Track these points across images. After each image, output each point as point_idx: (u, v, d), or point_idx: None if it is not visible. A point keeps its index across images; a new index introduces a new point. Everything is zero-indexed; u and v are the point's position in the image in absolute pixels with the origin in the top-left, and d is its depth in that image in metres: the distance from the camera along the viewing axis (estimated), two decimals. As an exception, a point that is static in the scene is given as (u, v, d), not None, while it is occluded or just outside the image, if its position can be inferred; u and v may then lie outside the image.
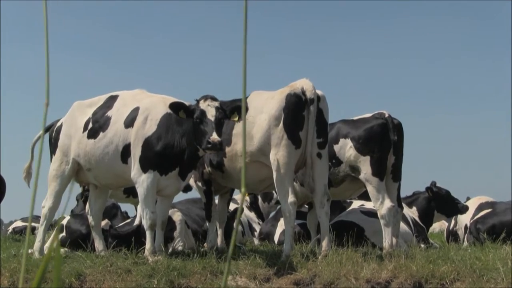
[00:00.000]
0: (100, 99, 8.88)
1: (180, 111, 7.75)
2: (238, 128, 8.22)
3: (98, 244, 8.97)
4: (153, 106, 8.20)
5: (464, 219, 11.93)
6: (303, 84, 8.14)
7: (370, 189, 8.68)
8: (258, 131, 8.07)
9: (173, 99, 8.14)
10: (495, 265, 7.40)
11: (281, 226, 10.96)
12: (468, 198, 13.34)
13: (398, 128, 9.00)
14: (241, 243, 11.26)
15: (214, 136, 7.28)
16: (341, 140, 8.96)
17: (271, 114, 7.99)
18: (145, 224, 7.96)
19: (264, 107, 8.09)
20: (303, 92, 8.06)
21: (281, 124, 7.94)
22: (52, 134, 9.18)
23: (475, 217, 11.34)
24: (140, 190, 7.96)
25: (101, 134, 8.37)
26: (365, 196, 10.07)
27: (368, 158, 8.72)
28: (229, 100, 8.34)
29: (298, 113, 8.00)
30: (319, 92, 8.19)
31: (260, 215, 13.59)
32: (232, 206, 11.24)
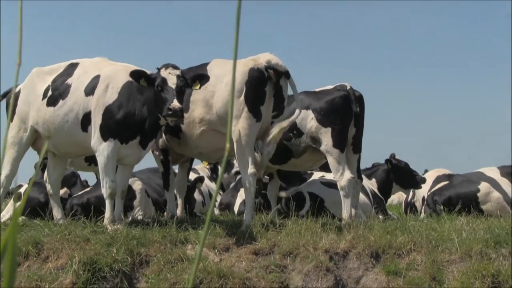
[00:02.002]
0: (60, 67, 8.74)
1: (141, 79, 7.70)
2: (196, 95, 8.18)
3: (57, 213, 8.89)
4: (114, 74, 8.12)
5: (422, 191, 12.11)
6: (268, 59, 8.14)
7: (331, 160, 8.74)
8: (218, 100, 8.07)
9: (134, 67, 8.06)
10: (450, 236, 7.56)
11: (241, 196, 11.00)
12: (426, 171, 13.53)
13: (359, 100, 9.06)
14: (202, 213, 11.29)
15: (175, 103, 7.26)
16: (303, 112, 8.97)
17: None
18: (105, 193, 7.92)
19: (225, 77, 8.07)
20: (266, 68, 8.06)
21: (242, 97, 7.95)
22: (10, 100, 9.03)
23: (432, 189, 11.51)
24: (100, 159, 7.90)
25: (61, 101, 8.26)
26: (325, 168, 10.14)
27: (329, 129, 8.76)
28: (185, 69, 8.27)
29: (260, 88, 8.02)
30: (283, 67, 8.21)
31: (221, 186, 13.60)
32: (192, 176, 11.24)
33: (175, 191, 9.30)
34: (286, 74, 8.14)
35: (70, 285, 6.80)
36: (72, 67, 8.58)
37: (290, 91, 8.41)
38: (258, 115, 8.00)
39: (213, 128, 8.19)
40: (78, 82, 8.28)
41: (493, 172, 11.49)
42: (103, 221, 7.96)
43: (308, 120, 8.93)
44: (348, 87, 9.03)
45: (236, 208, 11.11)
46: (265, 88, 8.05)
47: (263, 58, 8.17)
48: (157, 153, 9.04)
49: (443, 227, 8.05)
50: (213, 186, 13.37)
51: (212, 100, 8.14)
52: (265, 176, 10.24)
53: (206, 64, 8.53)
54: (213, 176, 13.66)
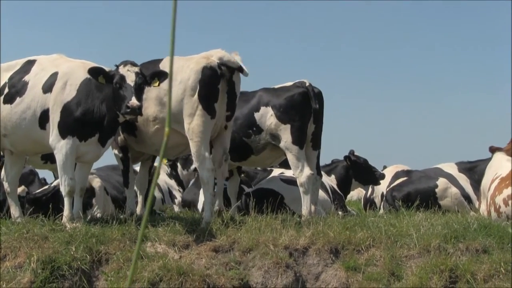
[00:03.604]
0: (17, 64, 8.61)
1: (99, 76, 7.63)
2: (149, 93, 8.14)
3: (14, 211, 8.77)
4: (72, 71, 8.04)
5: (381, 187, 12.22)
6: (220, 55, 8.14)
7: (290, 157, 8.78)
8: (172, 99, 8.05)
9: (92, 64, 7.99)
10: (408, 231, 7.65)
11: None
12: (384, 167, 13.67)
13: (318, 96, 9.11)
14: (161, 210, 11.24)
15: (133, 101, 7.23)
16: (262, 108, 9.01)
17: (187, 85, 7.98)
18: (63, 190, 7.84)
19: (178, 75, 8.04)
20: (219, 65, 8.06)
21: (196, 95, 7.96)
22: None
23: (391, 185, 11.63)
24: (59, 156, 7.81)
25: (18, 99, 8.15)
26: (285, 164, 10.18)
27: (288, 126, 8.80)
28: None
29: (214, 85, 8.05)
30: (237, 58, 8.22)
31: (180, 183, 13.58)
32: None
33: (135, 188, 9.26)
34: (239, 69, 8.15)
35: (28, 284, 6.70)
36: (29, 64, 8.46)
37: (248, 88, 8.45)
38: (212, 112, 8.02)
39: None
40: (35, 79, 8.17)
41: (451, 168, 11.66)
42: (61, 219, 7.87)
43: (267, 117, 8.96)
44: (307, 84, 9.08)
45: (200, 206, 11.08)
46: (218, 86, 8.07)
47: (215, 55, 8.17)
48: (116, 151, 8.99)
49: (402, 222, 8.14)
50: (172, 183, 13.32)
51: (165, 98, 8.13)
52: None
53: (159, 61, 8.50)
54: (172, 173, 13.62)
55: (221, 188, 8.82)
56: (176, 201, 12.67)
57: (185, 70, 8.05)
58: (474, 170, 11.44)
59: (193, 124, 7.92)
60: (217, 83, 8.06)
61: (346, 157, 11.60)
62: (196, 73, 7.99)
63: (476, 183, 10.98)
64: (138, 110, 7.26)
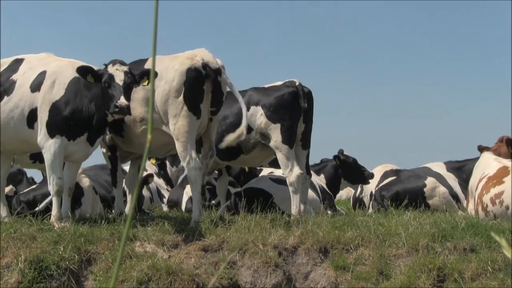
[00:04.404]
0: (5, 62, 8.56)
1: (88, 75, 7.61)
2: (135, 94, 8.12)
3: (2, 211, 8.72)
4: (60, 70, 8.01)
5: (370, 187, 12.25)
6: (203, 56, 8.14)
7: (280, 156, 8.79)
8: (158, 99, 8.07)
9: (81, 63, 7.96)
10: (397, 231, 7.67)
11: (187, 193, 10.98)
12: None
13: (308, 96, 9.12)
14: (150, 209, 11.22)
15: (122, 100, 7.21)
16: (252, 108, 9.01)
17: (172, 86, 7.97)
18: (52, 190, 7.81)
19: (163, 74, 8.01)
20: (203, 66, 8.05)
21: (181, 97, 7.96)
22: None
23: (380, 185, 11.66)
24: (47, 156, 7.79)
25: (6, 98, 8.10)
26: (274, 164, 10.19)
27: (278, 125, 8.81)
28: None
29: (199, 87, 8.04)
30: (219, 62, 8.22)
31: (169, 182, 13.56)
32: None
33: (124, 187, 9.24)
34: (217, 71, 8.14)
35: (16, 284, 6.68)
36: (17, 62, 8.42)
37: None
38: (197, 112, 8.03)
39: (154, 126, 8.18)
40: (23, 78, 8.13)
41: (439, 167, 11.70)
42: (50, 218, 7.84)
43: (257, 116, 8.96)
44: (297, 83, 9.09)
45: (183, 205, 11.08)
46: (203, 87, 8.07)
47: (199, 55, 8.16)
48: (104, 150, 8.97)
49: (391, 222, 8.16)
50: (160, 182, 13.31)
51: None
52: (215, 172, 10.26)
53: (144, 60, 8.49)
54: (161, 173, 13.61)
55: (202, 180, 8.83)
56: (165, 200, 12.65)
57: (170, 71, 8.04)
58: (462, 170, 11.48)
59: (179, 124, 7.92)
60: (202, 84, 8.06)
61: (335, 157, 11.61)
62: (181, 75, 7.99)
63: (464, 182, 11.02)
64: (126, 110, 7.25)
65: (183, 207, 11.01)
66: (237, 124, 9.00)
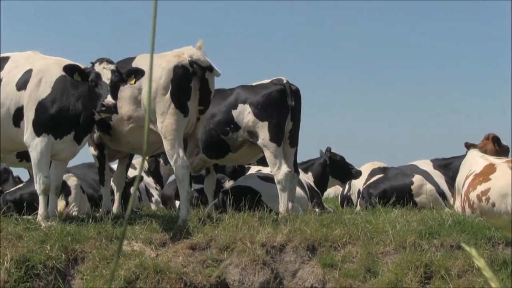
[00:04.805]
0: (-10, 61, 8.51)
1: (74, 74, 7.57)
2: (122, 92, 8.10)
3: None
4: (47, 68, 7.97)
5: (358, 184, 12.27)
6: (191, 53, 8.13)
7: (268, 154, 8.78)
8: (145, 97, 8.04)
9: (67, 61, 7.92)
10: (384, 228, 7.69)
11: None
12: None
13: (295, 94, 9.12)
14: (138, 208, 11.19)
15: (109, 99, 7.19)
16: (240, 106, 9.01)
17: (159, 84, 7.96)
18: (38, 189, 7.77)
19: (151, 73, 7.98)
20: (191, 63, 8.04)
21: (168, 94, 7.94)
22: None
23: (368, 182, 11.68)
24: (34, 154, 7.75)
25: (-9, 96, 8.05)
26: (262, 162, 10.18)
27: (266, 123, 8.80)
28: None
29: (186, 84, 8.03)
30: (206, 59, 8.21)
31: (159, 180, 13.52)
32: (130, 172, 11.12)
33: (112, 186, 9.22)
34: (209, 69, 8.14)
35: (2, 284, 6.64)
36: (3, 61, 8.36)
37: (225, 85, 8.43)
38: (185, 110, 8.01)
39: (142, 125, 8.17)
40: (9, 76, 8.08)
41: (426, 165, 11.73)
42: (36, 217, 7.81)
43: (245, 114, 8.95)
44: (285, 81, 9.08)
45: (177, 202, 11.04)
46: (190, 84, 8.06)
47: (187, 53, 8.15)
48: (92, 148, 8.95)
49: (378, 219, 8.18)
50: (149, 181, 13.26)
51: (139, 97, 8.14)
52: (202, 170, 10.24)
53: (131, 59, 8.47)
54: (151, 171, 13.56)
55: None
56: (153, 199, 12.61)
57: (157, 69, 8.03)
58: (449, 167, 11.51)
59: (166, 122, 7.91)
60: (189, 82, 8.05)
61: (323, 153, 11.63)
62: (168, 72, 7.97)
63: (450, 180, 11.05)
64: (113, 108, 7.22)
65: (177, 203, 10.97)
66: (226, 122, 9.00)
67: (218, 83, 8.61)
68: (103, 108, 7.20)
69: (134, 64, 8.24)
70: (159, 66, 8.03)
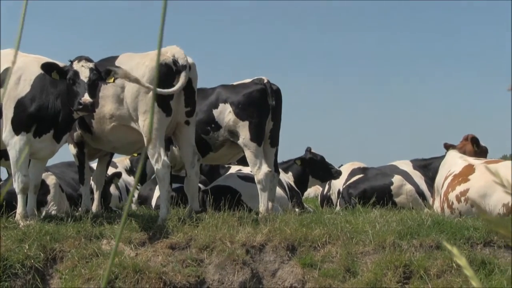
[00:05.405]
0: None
1: (53, 72, 7.52)
2: (105, 90, 8.07)
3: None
4: (26, 66, 7.91)
5: (337, 184, 12.30)
6: (174, 52, 8.11)
7: (248, 154, 8.78)
8: (128, 96, 8.03)
9: (46, 59, 7.87)
10: (364, 228, 7.71)
11: (158, 190, 10.88)
12: (341, 165, 13.73)
13: (276, 93, 9.13)
14: (118, 207, 11.15)
15: (86, 97, 7.14)
16: (221, 105, 9.00)
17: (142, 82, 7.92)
18: (17, 187, 7.71)
19: (134, 71, 7.95)
20: (174, 62, 8.03)
21: (151, 93, 7.89)
22: None
23: (348, 182, 11.71)
24: (12, 153, 7.70)
25: (-31, 94, 7.99)
26: (243, 161, 10.18)
27: (247, 123, 8.80)
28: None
29: (169, 83, 7.98)
30: (189, 59, 8.20)
31: (142, 178, 13.41)
32: (111, 170, 11.06)
33: (92, 184, 9.18)
34: (184, 67, 8.09)
35: (-21, 283, 6.59)
36: (-19, 58, 8.29)
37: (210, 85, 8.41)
38: (167, 109, 7.99)
39: (124, 123, 8.15)
40: (-14, 74, 8.01)
41: (406, 165, 11.78)
42: (15, 216, 7.75)
43: (226, 113, 8.95)
44: (266, 81, 9.09)
45: (153, 202, 11.01)
46: (173, 82, 8.02)
47: (170, 52, 8.14)
48: (71, 146, 8.91)
49: (358, 219, 8.20)
50: (130, 180, 13.20)
51: (122, 95, 8.09)
52: (182, 171, 10.22)
53: (115, 57, 8.43)
54: (133, 170, 13.50)
55: (195, 188, 8.63)
56: (134, 199, 12.55)
57: (140, 67, 8.01)
58: (428, 167, 11.57)
59: (148, 121, 7.88)
60: (172, 80, 8.02)
61: (304, 156, 11.65)
62: (151, 71, 7.95)
63: (430, 180, 11.11)
64: (90, 107, 7.17)
65: (152, 204, 10.93)
66: (207, 121, 8.99)
67: (199, 83, 8.61)
68: (80, 107, 7.14)
69: (117, 62, 8.19)
70: (143, 64, 8.01)
